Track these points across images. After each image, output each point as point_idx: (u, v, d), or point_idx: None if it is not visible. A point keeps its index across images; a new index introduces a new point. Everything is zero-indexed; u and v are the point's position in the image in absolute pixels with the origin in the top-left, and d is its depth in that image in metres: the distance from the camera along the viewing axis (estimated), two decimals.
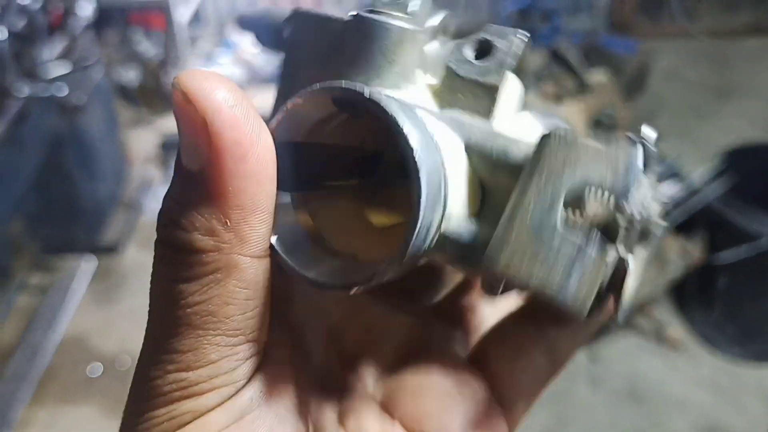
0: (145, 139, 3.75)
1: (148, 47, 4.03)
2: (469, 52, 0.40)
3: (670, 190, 2.94)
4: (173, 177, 0.35)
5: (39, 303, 2.77)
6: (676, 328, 2.68)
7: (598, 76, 3.40)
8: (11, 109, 2.33)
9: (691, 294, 2.70)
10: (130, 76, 3.98)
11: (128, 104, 3.96)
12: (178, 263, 0.35)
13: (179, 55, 4.06)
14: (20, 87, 2.36)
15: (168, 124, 3.87)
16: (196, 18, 4.41)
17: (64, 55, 2.74)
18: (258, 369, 0.39)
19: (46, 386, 2.44)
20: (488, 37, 0.40)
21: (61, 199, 2.88)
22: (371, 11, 0.37)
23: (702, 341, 2.64)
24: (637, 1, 4.68)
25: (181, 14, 4.03)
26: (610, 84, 3.39)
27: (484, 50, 0.40)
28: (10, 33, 2.33)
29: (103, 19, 3.50)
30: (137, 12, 4.08)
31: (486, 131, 0.37)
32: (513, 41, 0.39)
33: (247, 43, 4.36)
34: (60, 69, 2.60)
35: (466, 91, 0.39)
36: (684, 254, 2.59)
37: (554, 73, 3.41)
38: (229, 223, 0.34)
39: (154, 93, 3.97)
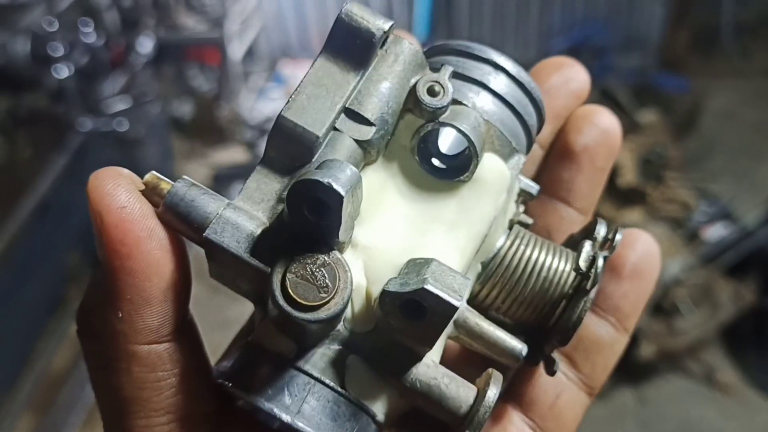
0: (199, 171, 3.82)
1: (202, 82, 4.14)
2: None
3: (722, 231, 2.89)
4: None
5: None
6: (727, 372, 2.61)
7: (648, 115, 3.37)
8: (73, 143, 2.41)
9: (745, 338, 2.63)
10: (185, 109, 4.07)
11: (182, 137, 4.05)
12: (90, 352, 0.39)
13: (232, 90, 4.15)
14: (83, 122, 2.45)
15: (220, 156, 3.95)
16: (250, 54, 4.50)
17: (125, 91, 2.83)
18: None
19: (97, 413, 2.47)
20: None
21: None
22: None
23: (756, 386, 2.57)
24: (690, 39, 4.62)
25: (236, 50, 4.12)
26: (661, 123, 3.35)
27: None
28: (75, 70, 2.42)
29: (160, 56, 3.61)
30: (193, 48, 4.19)
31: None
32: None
33: (298, 79, 4.42)
34: (121, 104, 2.69)
35: None
36: (736, 297, 2.54)
37: None
38: (121, 315, 0.37)
39: (208, 126, 4.05)
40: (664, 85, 3.96)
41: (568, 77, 0.53)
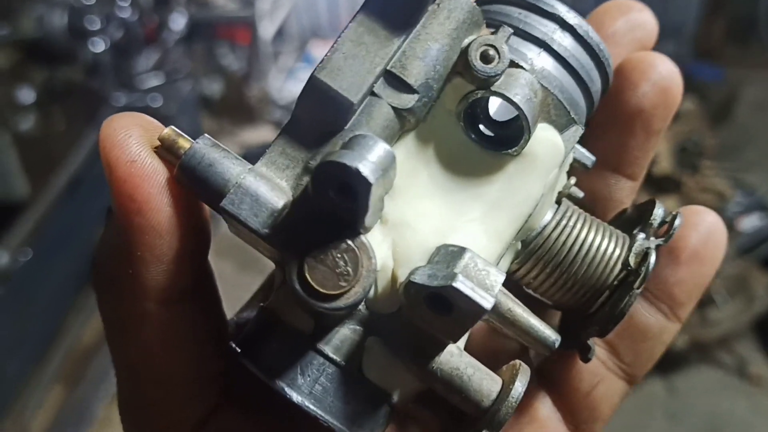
0: None
1: (232, 61, 4.13)
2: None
3: (757, 222, 2.85)
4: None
5: None
6: (759, 364, 2.57)
7: (686, 103, 3.32)
8: (107, 118, 2.42)
9: None
10: (214, 88, 4.07)
11: (211, 115, 4.05)
12: (103, 305, 0.38)
13: (262, 69, 4.14)
14: (117, 97, 2.45)
15: (249, 136, 3.95)
16: (280, 33, 4.49)
17: (158, 67, 2.83)
18: (214, 411, 0.40)
19: None
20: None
21: None
22: None
23: None
24: (726, 29, 4.55)
25: (266, 30, 4.11)
26: (698, 111, 3.30)
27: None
28: (110, 44, 2.42)
29: (192, 33, 3.60)
30: (224, 26, 4.18)
31: None
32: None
33: None
34: (154, 80, 2.68)
35: None
36: None
37: None
38: (131, 272, 0.35)
39: (237, 105, 4.05)
40: (698, 74, 3.89)
41: (635, 23, 0.48)
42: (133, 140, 0.35)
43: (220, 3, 4.04)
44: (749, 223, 2.84)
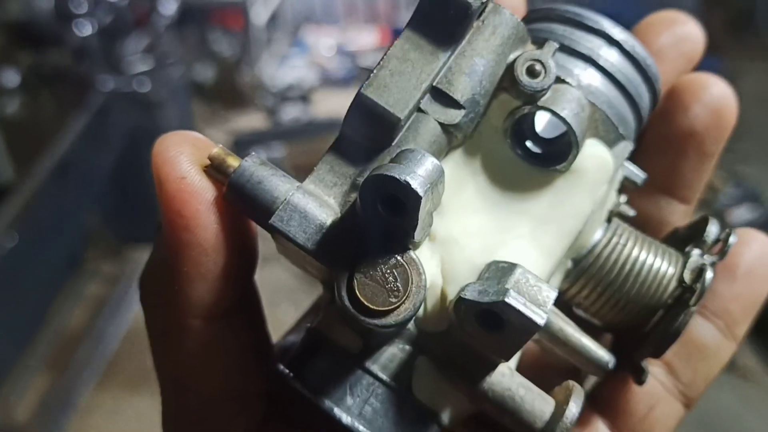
0: (219, 137, 3.80)
1: (224, 46, 4.11)
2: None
3: (748, 214, 2.84)
4: None
5: (109, 292, 2.83)
6: (748, 356, 2.57)
7: None
8: (95, 102, 2.40)
9: (765, 322, 2.59)
10: (207, 73, 4.06)
11: (203, 101, 4.03)
12: (148, 319, 0.38)
13: (254, 55, 4.12)
14: (105, 81, 2.43)
15: (241, 121, 3.93)
16: (273, 19, 4.47)
17: (147, 52, 2.81)
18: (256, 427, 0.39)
19: (111, 374, 2.49)
20: None
21: (135, 192, 2.94)
22: None
23: None
24: (725, 20, 4.53)
25: (259, 15, 4.09)
26: None
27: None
28: (98, 28, 2.40)
29: (183, 18, 3.58)
30: (217, 11, 4.16)
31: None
32: None
33: (321, 46, 4.41)
34: (143, 65, 2.66)
35: None
36: None
37: None
38: (176, 287, 0.35)
39: (229, 91, 4.04)
40: (697, 66, 3.88)
41: (680, 36, 0.47)
42: (183, 157, 0.35)
43: None
44: (740, 214, 2.84)
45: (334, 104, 3.89)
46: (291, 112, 3.96)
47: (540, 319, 0.32)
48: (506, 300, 0.32)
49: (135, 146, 2.80)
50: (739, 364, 2.53)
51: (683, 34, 0.47)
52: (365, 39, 4.53)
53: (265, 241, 0.39)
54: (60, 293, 2.56)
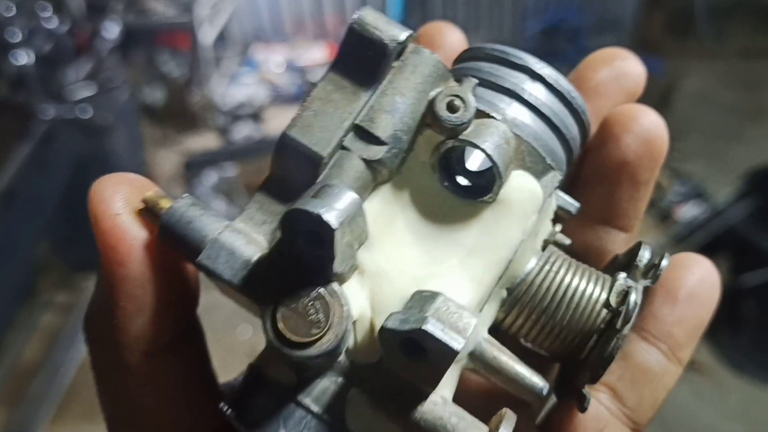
0: (170, 159, 3.78)
1: (173, 68, 4.08)
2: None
3: (694, 211, 2.90)
4: None
5: (63, 322, 2.79)
6: (701, 352, 2.62)
7: None
8: (37, 131, 2.37)
9: (717, 317, 2.64)
10: (156, 96, 4.02)
11: (154, 124, 4.00)
12: (92, 357, 0.39)
13: (204, 75, 4.10)
14: (46, 109, 2.40)
15: (193, 143, 3.90)
16: (221, 38, 4.45)
17: (90, 77, 2.78)
18: None
19: (68, 405, 2.46)
20: None
21: (85, 219, 2.89)
22: None
23: (729, 366, 2.59)
24: (665, 21, 4.64)
25: (207, 35, 4.07)
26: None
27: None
28: (36, 56, 2.37)
29: (129, 41, 3.55)
30: (163, 33, 4.13)
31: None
32: None
33: (271, 63, 4.40)
34: (85, 91, 2.64)
35: None
36: None
37: None
38: (115, 323, 0.36)
39: (179, 113, 4.01)
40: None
41: (620, 72, 0.47)
42: (119, 195, 0.36)
43: (158, 9, 3.99)
44: (686, 212, 2.89)
45: (286, 121, 3.78)
46: (243, 131, 3.95)
47: (457, 344, 0.32)
48: (423, 327, 0.32)
49: (83, 172, 2.77)
50: (693, 360, 2.58)
51: (623, 69, 0.47)
52: (315, 55, 4.53)
53: None
54: (13, 325, 2.52)
